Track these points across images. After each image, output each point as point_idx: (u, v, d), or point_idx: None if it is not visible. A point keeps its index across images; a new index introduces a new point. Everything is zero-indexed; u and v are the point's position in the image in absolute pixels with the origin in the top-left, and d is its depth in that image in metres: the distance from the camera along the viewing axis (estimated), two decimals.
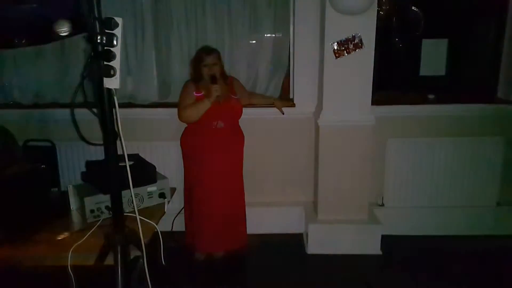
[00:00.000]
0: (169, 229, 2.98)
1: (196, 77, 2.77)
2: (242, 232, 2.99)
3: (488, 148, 3.13)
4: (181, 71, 3.13)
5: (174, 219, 3.03)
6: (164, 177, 2.41)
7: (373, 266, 2.87)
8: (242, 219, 2.98)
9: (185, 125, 2.86)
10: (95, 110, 1.60)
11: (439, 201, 3.22)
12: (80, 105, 1.57)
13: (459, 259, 2.92)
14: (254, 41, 3.18)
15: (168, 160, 3.12)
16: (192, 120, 2.72)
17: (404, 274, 2.76)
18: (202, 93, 2.71)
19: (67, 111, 2.96)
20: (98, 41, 1.40)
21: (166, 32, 3.10)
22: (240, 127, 2.90)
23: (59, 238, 1.94)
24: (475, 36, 3.33)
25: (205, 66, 2.70)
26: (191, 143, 2.81)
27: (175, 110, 2.77)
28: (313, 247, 3.02)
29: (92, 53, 1.43)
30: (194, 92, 2.73)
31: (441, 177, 3.18)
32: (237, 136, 2.87)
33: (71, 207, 2.25)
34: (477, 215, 3.21)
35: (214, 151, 2.74)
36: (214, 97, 2.60)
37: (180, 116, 2.73)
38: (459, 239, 3.15)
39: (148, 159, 2.56)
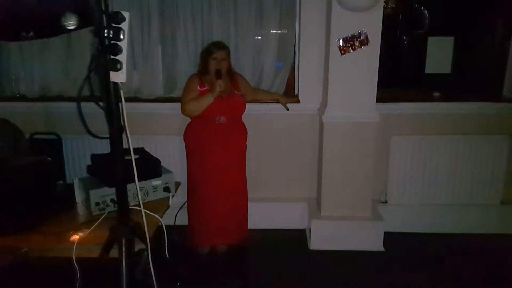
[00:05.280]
0: (172, 223, 3.00)
1: (203, 70, 2.78)
2: (244, 226, 3.01)
3: (493, 146, 3.12)
4: (186, 66, 3.13)
5: (177, 213, 3.04)
6: (168, 171, 2.43)
7: (375, 263, 2.87)
8: (244, 214, 2.99)
9: (189, 119, 2.88)
10: (101, 103, 1.61)
11: (442, 199, 3.21)
12: (87, 99, 1.58)
13: (463, 257, 2.91)
14: (259, 37, 3.17)
15: (172, 154, 3.14)
16: (194, 114, 2.73)
17: (407, 271, 2.76)
18: (206, 87, 2.72)
19: (73, 104, 2.98)
20: (105, 35, 1.41)
21: (172, 27, 3.11)
22: (243, 122, 2.90)
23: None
24: (481, 34, 3.32)
25: (214, 60, 2.71)
26: (194, 138, 2.82)
27: (180, 105, 2.78)
28: (316, 243, 3.04)
29: (99, 47, 1.44)
30: (198, 87, 2.74)
31: (445, 175, 3.17)
32: (240, 131, 2.88)
33: (77, 200, 2.27)
34: (481, 213, 3.20)
35: (216, 145, 2.75)
36: (217, 92, 2.61)
37: (183, 110, 2.75)
38: (463, 237, 3.15)
39: (153, 153, 2.57)
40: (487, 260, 2.88)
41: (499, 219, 3.20)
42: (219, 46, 2.76)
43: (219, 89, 2.60)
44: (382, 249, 2.99)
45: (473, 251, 2.99)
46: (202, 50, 2.86)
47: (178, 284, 2.25)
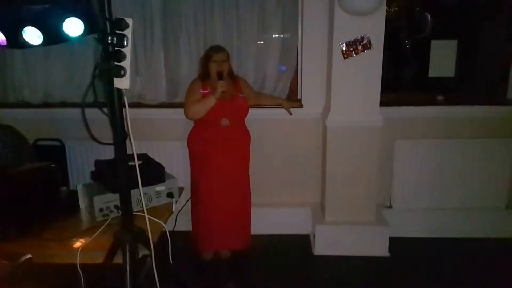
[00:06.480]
0: (171, 228, 2.96)
1: (203, 75, 2.79)
2: (247, 232, 3.00)
3: (497, 150, 3.10)
4: (189, 72, 3.13)
5: (176, 215, 2.96)
6: (172, 177, 2.42)
7: (380, 268, 2.85)
8: (247, 219, 2.99)
9: (192, 124, 2.88)
10: (105, 110, 1.62)
11: (447, 203, 3.19)
12: (90, 105, 1.59)
13: (468, 262, 2.89)
14: (262, 42, 3.18)
15: (176, 159, 3.14)
16: (197, 117, 2.73)
17: (412, 276, 2.74)
18: (208, 90, 2.73)
19: (76, 110, 3.01)
20: (109, 41, 1.41)
21: (174, 32, 3.12)
22: (246, 126, 2.90)
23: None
24: (484, 37, 3.31)
25: (214, 63, 2.72)
26: (197, 142, 2.82)
27: (183, 110, 2.78)
28: (320, 248, 3.02)
29: (103, 54, 1.45)
30: (201, 90, 2.75)
31: (449, 179, 3.16)
32: (243, 135, 2.88)
33: (81, 206, 2.27)
34: (486, 217, 3.18)
35: (219, 149, 2.75)
36: (219, 93, 2.61)
37: (186, 113, 2.75)
38: (468, 241, 3.12)
39: (156, 158, 2.58)
40: (493, 265, 2.86)
41: (505, 223, 3.18)
42: (217, 48, 2.77)
43: (221, 89, 2.60)
44: (387, 254, 2.97)
45: (479, 255, 2.97)
46: (201, 56, 2.87)
47: None
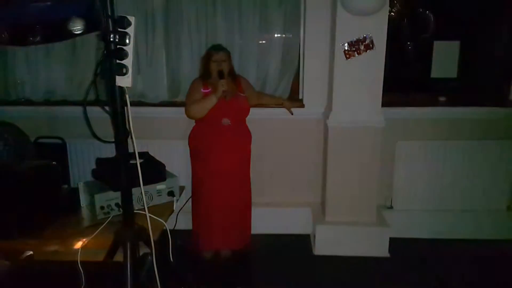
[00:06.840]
0: (172, 227, 2.96)
1: (204, 74, 2.79)
2: (247, 231, 3.00)
3: (499, 151, 3.10)
4: (191, 70, 3.14)
5: (177, 214, 2.96)
6: (173, 175, 2.42)
7: (380, 269, 2.85)
8: (247, 218, 2.99)
9: (193, 123, 2.88)
10: (106, 108, 1.62)
11: (448, 205, 3.19)
12: (92, 103, 1.59)
13: (468, 263, 2.88)
14: (264, 41, 3.18)
15: (177, 158, 3.13)
16: (198, 116, 2.73)
17: (412, 277, 2.74)
18: (209, 89, 2.73)
19: (77, 108, 3.01)
20: (111, 39, 1.41)
21: (176, 31, 3.12)
22: (247, 126, 2.90)
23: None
24: (487, 38, 3.30)
25: (214, 62, 2.72)
26: (198, 141, 2.82)
27: (184, 109, 2.78)
28: (320, 249, 3.02)
29: (105, 52, 1.45)
30: (202, 89, 2.75)
31: (450, 180, 3.15)
32: (244, 135, 2.88)
33: (82, 204, 2.27)
34: (487, 219, 3.17)
35: (220, 148, 2.75)
36: (220, 92, 2.61)
37: (187, 112, 2.75)
38: (468, 243, 3.12)
39: (157, 157, 2.57)
40: (494, 266, 2.85)
41: (506, 225, 3.17)
42: (218, 48, 2.79)
43: (222, 88, 2.61)
44: (388, 255, 2.97)
45: (479, 257, 2.96)
46: (202, 56, 2.87)
47: None
